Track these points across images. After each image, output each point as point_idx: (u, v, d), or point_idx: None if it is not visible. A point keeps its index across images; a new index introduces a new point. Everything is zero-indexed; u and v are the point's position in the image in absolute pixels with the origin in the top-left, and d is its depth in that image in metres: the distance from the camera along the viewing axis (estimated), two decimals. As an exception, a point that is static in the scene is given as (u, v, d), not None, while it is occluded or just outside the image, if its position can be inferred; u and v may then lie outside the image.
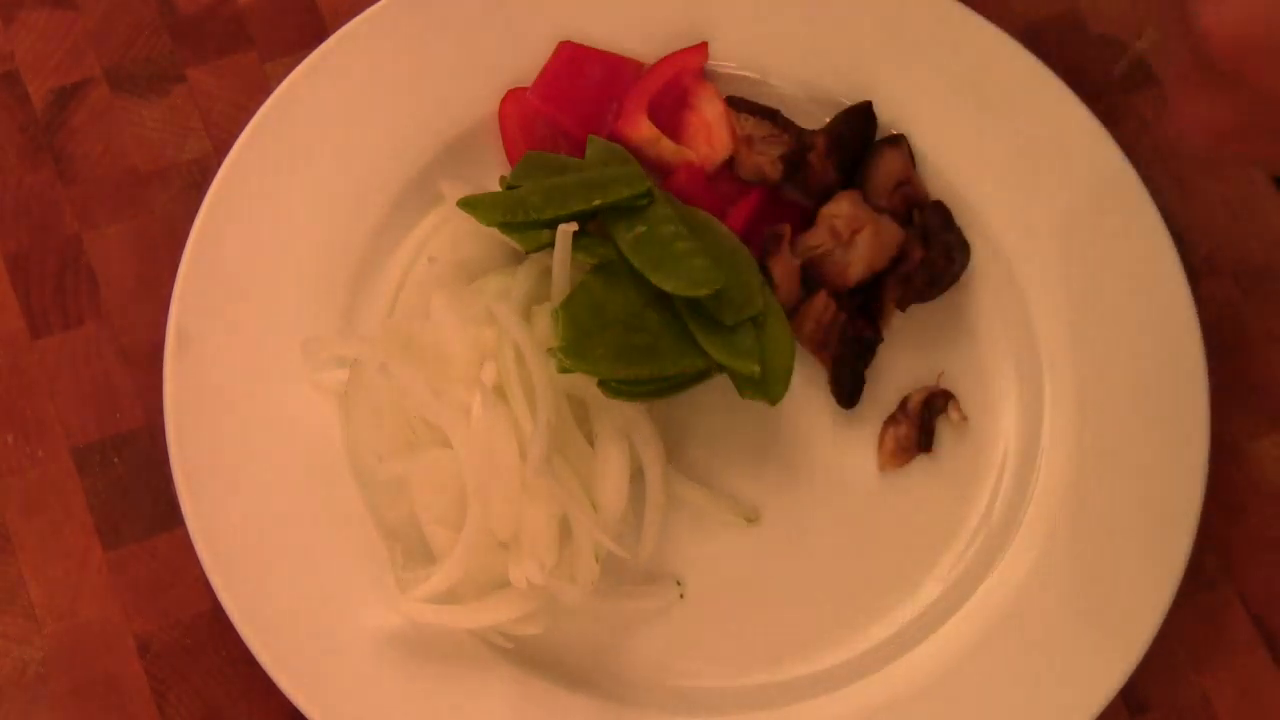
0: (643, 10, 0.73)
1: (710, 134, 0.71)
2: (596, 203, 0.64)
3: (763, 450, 0.69)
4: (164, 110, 0.73)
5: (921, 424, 0.69)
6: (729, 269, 0.64)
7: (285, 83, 0.69)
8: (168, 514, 0.66)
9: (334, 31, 0.71)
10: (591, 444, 0.65)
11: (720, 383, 0.65)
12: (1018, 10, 0.77)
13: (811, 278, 0.70)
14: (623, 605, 0.66)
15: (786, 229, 0.69)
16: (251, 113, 0.69)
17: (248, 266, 0.67)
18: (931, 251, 0.69)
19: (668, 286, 0.63)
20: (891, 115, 0.72)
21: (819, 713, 0.65)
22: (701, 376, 0.64)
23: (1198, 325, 0.68)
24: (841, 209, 0.69)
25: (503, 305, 0.64)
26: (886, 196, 0.71)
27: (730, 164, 0.71)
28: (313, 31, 0.74)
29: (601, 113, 0.71)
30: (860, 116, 0.72)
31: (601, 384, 0.63)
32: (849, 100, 0.72)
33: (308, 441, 0.66)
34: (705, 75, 0.73)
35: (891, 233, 0.69)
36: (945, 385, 0.70)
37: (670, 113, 0.72)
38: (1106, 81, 0.77)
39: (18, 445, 0.68)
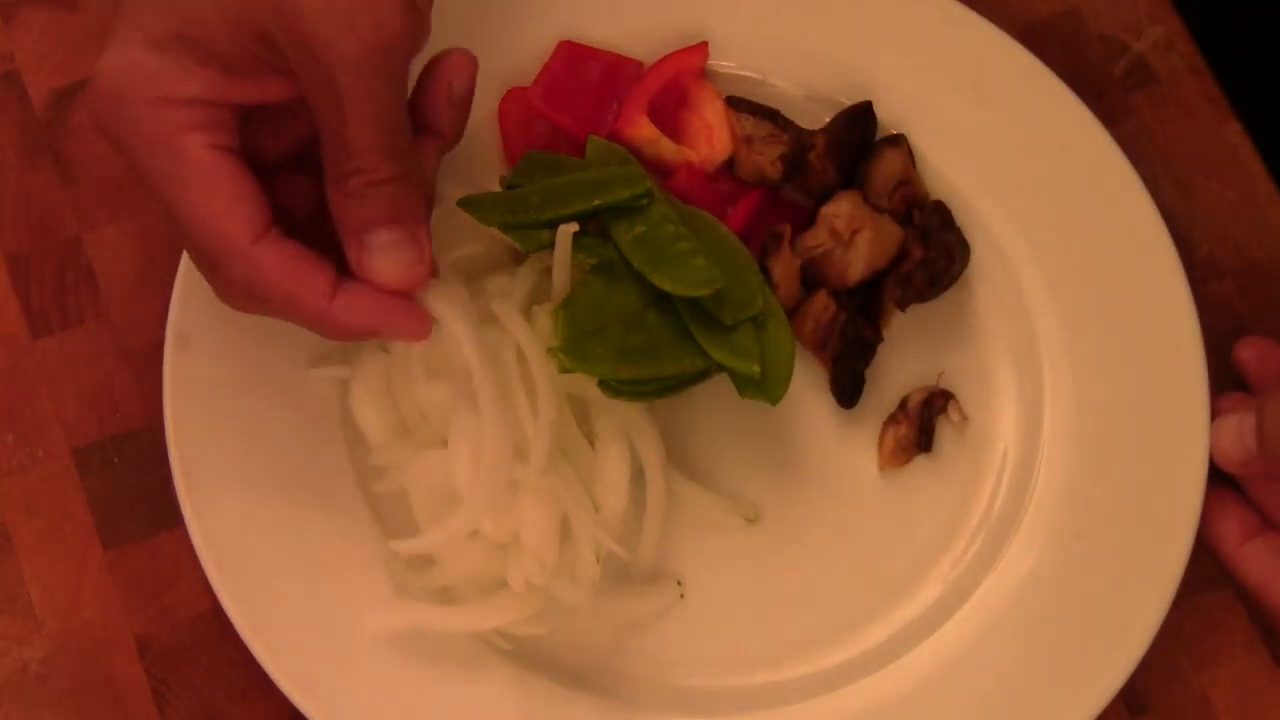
0: (643, 10, 0.72)
1: (710, 134, 0.71)
2: (596, 203, 0.64)
3: (763, 450, 0.69)
4: (164, 110, 0.73)
5: (921, 424, 0.69)
6: (729, 269, 0.64)
7: (285, 83, 0.69)
8: (168, 514, 0.66)
9: (334, 31, 0.70)
10: (592, 444, 0.65)
11: (720, 383, 0.65)
12: (1018, 10, 0.77)
13: (811, 278, 0.70)
14: (623, 605, 0.66)
15: (786, 229, 0.69)
16: (251, 113, 0.69)
17: (248, 266, 0.67)
18: (931, 251, 0.69)
19: (668, 286, 0.63)
20: (891, 115, 0.72)
21: (819, 713, 0.65)
22: (701, 376, 0.64)
23: (1198, 325, 0.68)
24: (841, 209, 0.69)
25: (504, 304, 0.64)
26: (886, 196, 0.71)
27: (730, 164, 0.71)
28: (313, 31, 0.74)
29: (601, 113, 0.71)
30: (860, 116, 0.72)
31: (602, 384, 0.62)
32: (849, 100, 0.72)
33: (308, 441, 0.66)
34: (705, 75, 0.73)
35: (891, 233, 0.69)
36: (945, 385, 0.70)
37: (670, 113, 0.72)
38: (1106, 81, 0.77)
39: (18, 445, 0.68)
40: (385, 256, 0.56)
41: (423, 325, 0.58)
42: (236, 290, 0.57)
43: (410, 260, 0.57)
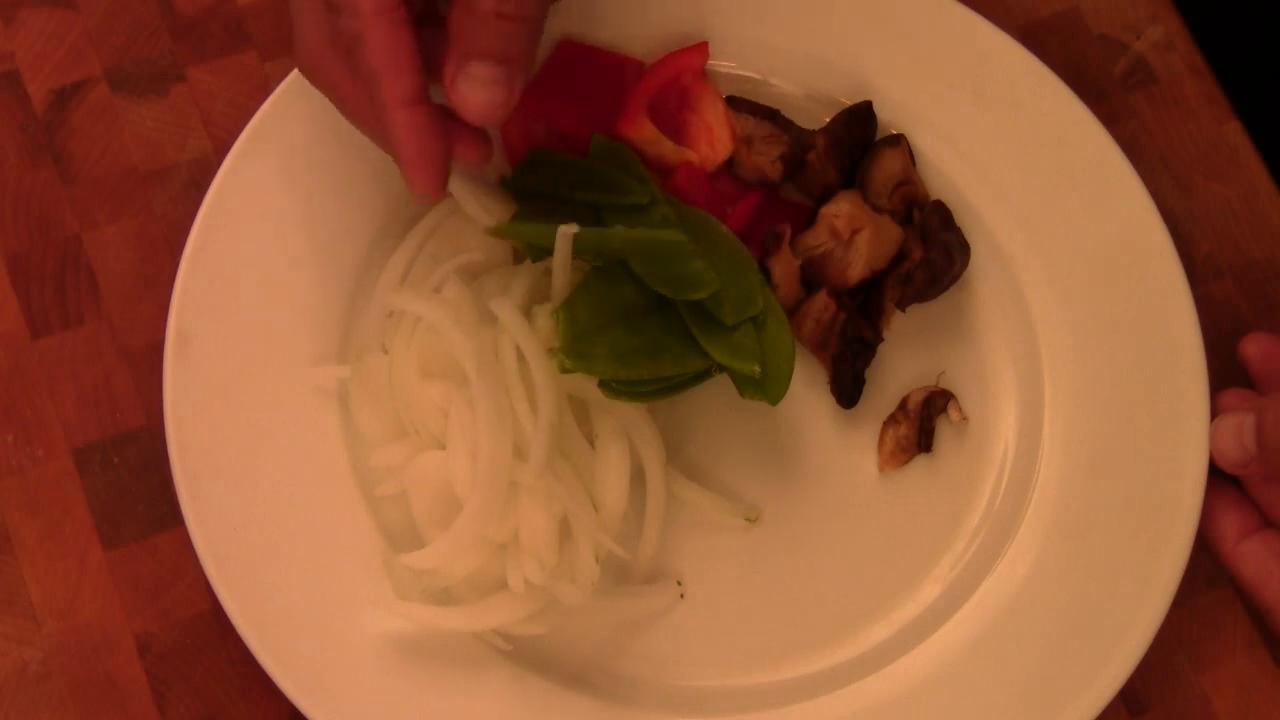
0: (643, 10, 0.73)
1: (710, 134, 0.71)
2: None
3: (763, 450, 0.69)
4: (164, 110, 0.73)
5: (921, 424, 0.69)
6: (729, 269, 0.64)
7: (285, 83, 0.69)
8: (168, 514, 0.66)
9: (334, 31, 0.70)
10: (592, 444, 0.65)
11: (720, 383, 0.65)
12: (1018, 10, 0.77)
13: (811, 278, 0.70)
14: (623, 605, 0.66)
15: (786, 229, 0.69)
16: (251, 113, 0.69)
17: (248, 266, 0.67)
18: (931, 251, 0.69)
19: (664, 290, 0.63)
20: (891, 115, 0.72)
21: (819, 713, 0.65)
22: (702, 376, 0.64)
23: (1198, 325, 0.68)
24: (841, 209, 0.69)
25: (503, 304, 0.64)
26: (886, 196, 0.71)
27: (730, 164, 0.71)
28: (313, 31, 0.74)
29: (601, 113, 0.71)
30: (860, 116, 0.72)
31: (602, 384, 0.63)
32: (849, 100, 0.72)
33: (308, 441, 0.66)
34: (705, 75, 0.73)
35: (891, 233, 0.69)
36: (945, 385, 0.70)
37: (670, 113, 0.72)
38: (1106, 81, 0.77)
39: (18, 445, 0.68)
40: (478, 88, 0.57)
41: (484, 148, 0.59)
42: (332, 41, 0.57)
43: (498, 101, 0.57)
